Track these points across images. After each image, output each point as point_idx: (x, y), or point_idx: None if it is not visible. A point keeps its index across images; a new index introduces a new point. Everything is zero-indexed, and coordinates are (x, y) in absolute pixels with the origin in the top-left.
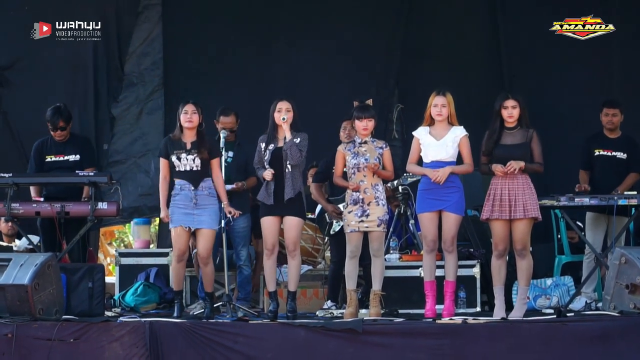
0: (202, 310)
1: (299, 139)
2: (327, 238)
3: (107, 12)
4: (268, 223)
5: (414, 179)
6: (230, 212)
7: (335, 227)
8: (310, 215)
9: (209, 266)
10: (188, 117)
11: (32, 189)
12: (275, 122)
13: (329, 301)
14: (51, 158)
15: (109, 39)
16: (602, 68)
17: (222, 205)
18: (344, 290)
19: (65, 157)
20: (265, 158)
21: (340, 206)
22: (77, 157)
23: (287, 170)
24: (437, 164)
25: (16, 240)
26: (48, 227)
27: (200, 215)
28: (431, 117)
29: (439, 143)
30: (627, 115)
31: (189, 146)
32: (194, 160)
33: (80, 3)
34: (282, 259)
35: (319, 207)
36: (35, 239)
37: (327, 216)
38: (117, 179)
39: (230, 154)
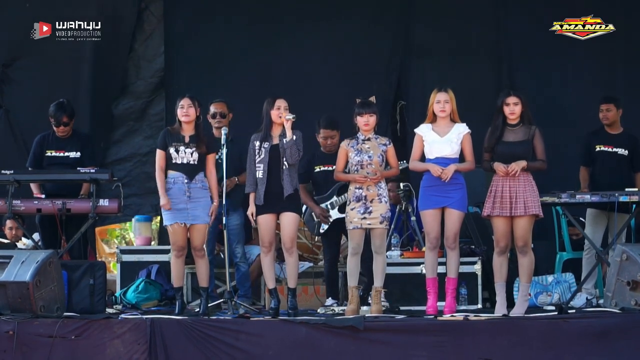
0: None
1: (295, 137)
2: (316, 237)
3: (107, 12)
4: (264, 221)
5: (404, 166)
6: (211, 213)
7: (324, 226)
8: None
9: (203, 259)
10: (184, 111)
11: (32, 184)
12: (271, 120)
13: (330, 298)
14: (51, 153)
15: (109, 38)
16: (604, 66)
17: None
18: (345, 287)
19: (66, 154)
20: (262, 157)
21: (326, 204)
22: (78, 154)
23: (284, 168)
24: (442, 161)
25: (23, 239)
26: (47, 224)
27: (194, 209)
28: (433, 114)
29: (443, 140)
30: (630, 113)
31: (187, 139)
32: (192, 154)
33: (80, 3)
34: (282, 256)
35: (304, 207)
36: (35, 236)
37: (314, 215)
38: (122, 176)
39: (224, 150)
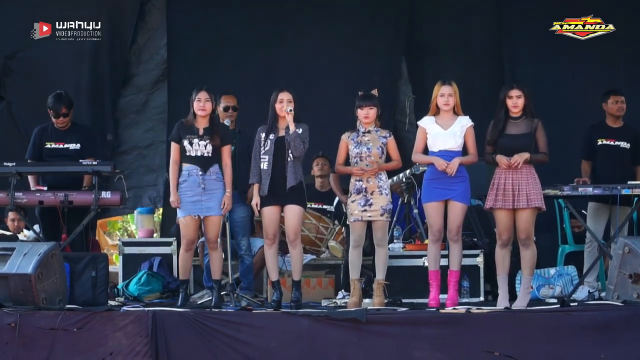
0: (209, 298)
1: (301, 130)
2: (342, 228)
3: (109, 5)
4: (268, 213)
5: (424, 168)
6: (224, 204)
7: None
8: (326, 207)
9: (217, 252)
10: (201, 105)
11: (30, 176)
12: (276, 112)
13: (342, 291)
14: (51, 145)
15: (111, 31)
16: (604, 65)
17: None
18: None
19: (66, 145)
20: (267, 148)
21: None
22: (78, 146)
23: (289, 160)
24: (446, 153)
25: (24, 230)
26: (48, 216)
27: (208, 201)
28: (437, 107)
29: (447, 132)
30: (630, 113)
31: (201, 132)
32: (205, 146)
33: (80, 3)
34: (284, 248)
35: (337, 199)
36: (36, 228)
37: (343, 206)
38: (122, 169)
39: None
